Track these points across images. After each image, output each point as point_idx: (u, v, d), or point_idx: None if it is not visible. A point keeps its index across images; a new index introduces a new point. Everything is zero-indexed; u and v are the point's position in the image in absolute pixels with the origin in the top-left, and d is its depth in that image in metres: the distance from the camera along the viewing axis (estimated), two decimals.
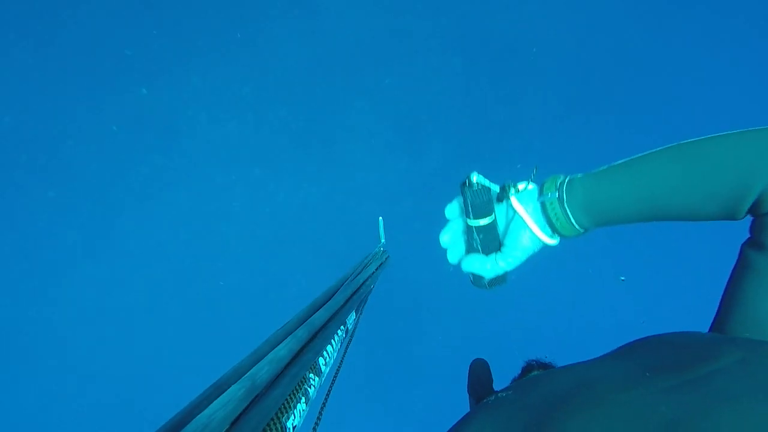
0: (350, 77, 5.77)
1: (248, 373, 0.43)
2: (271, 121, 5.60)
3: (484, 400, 0.52)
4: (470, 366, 0.78)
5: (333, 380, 0.62)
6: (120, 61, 5.56)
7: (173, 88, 5.73)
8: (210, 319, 4.87)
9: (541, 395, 0.44)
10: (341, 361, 0.67)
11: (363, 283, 0.94)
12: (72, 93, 5.25)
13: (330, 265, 5.05)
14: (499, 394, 0.51)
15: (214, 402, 0.37)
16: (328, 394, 0.58)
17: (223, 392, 0.39)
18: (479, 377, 0.70)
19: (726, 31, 5.48)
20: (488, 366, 0.76)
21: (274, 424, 0.41)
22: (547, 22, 5.71)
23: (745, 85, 5.33)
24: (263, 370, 0.44)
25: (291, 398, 0.46)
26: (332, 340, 0.63)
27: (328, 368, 0.61)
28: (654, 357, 0.44)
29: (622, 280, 5.28)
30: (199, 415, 0.35)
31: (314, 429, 0.49)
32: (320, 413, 0.52)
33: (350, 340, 0.76)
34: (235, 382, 0.41)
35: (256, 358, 0.48)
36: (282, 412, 0.43)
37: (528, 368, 0.91)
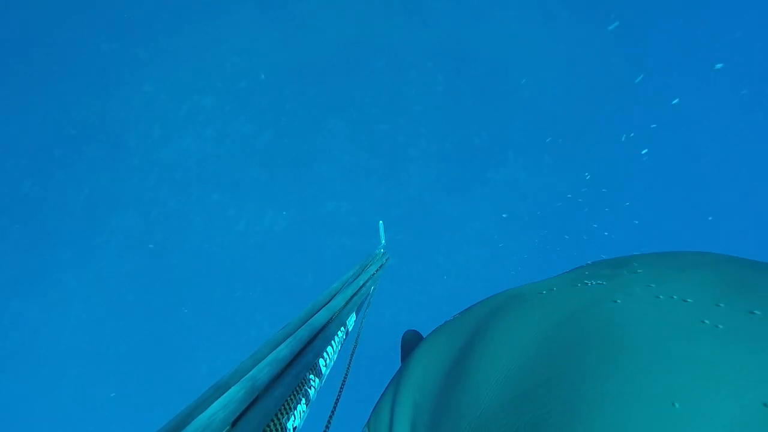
0: (323, 92, 5.31)
1: (249, 374, 0.43)
2: (233, 138, 5.08)
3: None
4: (402, 338, 0.80)
5: (342, 385, 0.60)
6: (62, 63, 4.93)
7: (120, 97, 5.13)
8: (157, 371, 4.33)
9: (484, 309, 0.49)
10: (349, 364, 0.66)
11: (363, 285, 0.95)
12: (6, 99, 4.61)
13: (294, 302, 4.59)
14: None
15: (215, 403, 0.37)
16: (337, 400, 0.56)
17: (224, 393, 0.39)
18: (411, 349, 0.65)
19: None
20: (420, 335, 0.76)
21: (275, 425, 0.41)
22: (536, 43, 5.37)
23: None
24: (264, 371, 0.44)
25: (291, 399, 0.46)
26: (332, 342, 0.63)
27: (329, 369, 0.60)
28: (586, 269, 0.50)
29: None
30: (199, 416, 0.35)
31: (326, 427, 0.48)
32: (329, 420, 0.51)
33: (356, 344, 0.74)
34: (236, 383, 0.41)
35: (257, 359, 0.47)
36: (282, 413, 0.43)
37: None
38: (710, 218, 5.14)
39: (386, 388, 0.55)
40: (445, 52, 5.65)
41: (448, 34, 5.66)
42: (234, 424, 0.37)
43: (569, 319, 0.38)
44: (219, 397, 0.39)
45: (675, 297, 0.35)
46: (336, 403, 0.56)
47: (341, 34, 5.68)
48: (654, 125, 5.22)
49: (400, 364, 0.69)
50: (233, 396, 0.39)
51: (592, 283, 0.44)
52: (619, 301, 0.37)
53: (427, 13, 5.65)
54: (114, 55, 5.38)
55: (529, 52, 5.50)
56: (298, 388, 0.48)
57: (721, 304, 0.33)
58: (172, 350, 4.46)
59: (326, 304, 0.74)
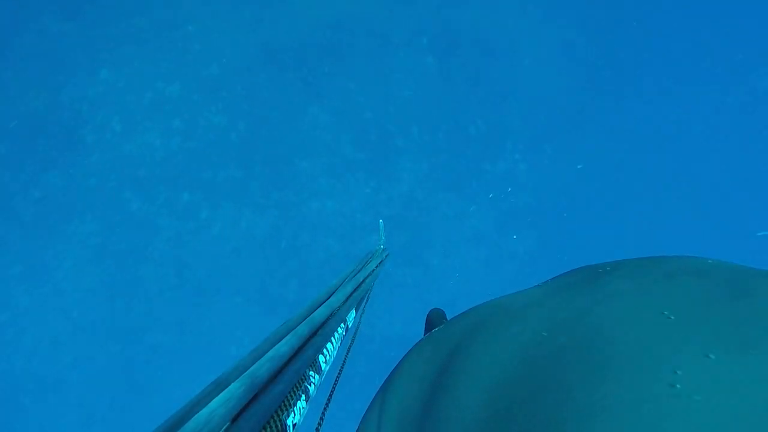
0: (302, 78, 4.82)
1: (249, 371, 0.43)
2: (203, 130, 4.58)
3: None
4: (427, 315, 0.85)
5: (336, 379, 0.61)
6: (2, 45, 4.35)
7: (74, 85, 4.56)
8: (124, 397, 3.90)
9: (466, 323, 0.49)
10: (345, 359, 0.67)
11: (363, 281, 0.95)
12: None
13: (278, 314, 4.18)
14: (433, 331, 0.55)
15: (215, 399, 0.38)
16: (331, 394, 0.58)
17: (224, 389, 0.40)
18: (435, 326, 0.68)
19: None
20: (444, 314, 0.81)
21: (275, 421, 0.42)
22: (536, 22, 4.94)
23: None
24: (264, 368, 0.45)
25: (291, 396, 0.46)
26: (332, 338, 0.64)
27: (328, 366, 0.60)
28: (571, 276, 0.51)
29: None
30: (199, 413, 0.35)
31: (317, 430, 0.49)
32: (323, 413, 0.53)
33: (353, 339, 0.77)
34: (236, 379, 0.42)
35: (257, 355, 0.48)
36: (282, 410, 0.44)
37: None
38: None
39: (371, 404, 0.53)
40: (436, 31, 5.19)
41: (439, 11, 5.18)
42: (234, 420, 0.37)
43: (551, 333, 0.37)
44: (219, 393, 0.39)
45: (660, 310, 0.35)
46: (329, 397, 0.56)
47: (320, 12, 5.17)
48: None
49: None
50: (233, 392, 0.39)
51: (575, 293, 0.44)
52: (602, 313, 0.37)
53: None
54: (65, 37, 4.78)
55: (528, 31, 5.07)
56: (297, 385, 0.49)
57: (706, 319, 0.33)
58: (141, 374, 4.03)
59: (326, 300, 0.74)
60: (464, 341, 0.44)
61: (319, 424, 0.50)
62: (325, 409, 0.53)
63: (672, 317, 0.33)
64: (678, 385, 0.26)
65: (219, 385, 0.41)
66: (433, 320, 0.80)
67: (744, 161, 4.94)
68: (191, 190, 4.55)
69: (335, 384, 0.60)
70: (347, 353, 0.70)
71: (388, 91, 4.96)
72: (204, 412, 0.35)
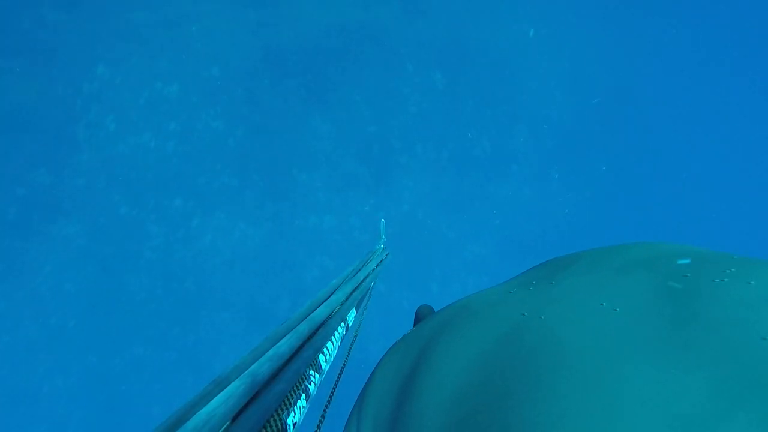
0: (306, 86, 4.68)
1: (249, 370, 0.44)
2: (199, 135, 4.41)
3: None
4: (416, 312, 0.85)
5: (337, 379, 0.60)
6: None
7: (67, 79, 4.39)
8: (101, 413, 3.71)
9: (432, 325, 0.49)
10: (346, 359, 0.66)
11: (363, 280, 0.95)
12: None
13: (265, 332, 3.98)
14: (405, 335, 0.55)
15: (215, 398, 0.38)
16: (332, 393, 0.57)
17: (224, 388, 0.40)
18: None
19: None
20: (433, 311, 0.79)
21: (275, 420, 0.42)
22: (547, 42, 4.83)
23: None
24: (264, 367, 0.45)
25: (292, 395, 0.46)
26: (333, 337, 0.64)
27: (328, 365, 0.61)
28: (534, 271, 0.51)
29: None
30: (199, 412, 0.35)
31: (318, 428, 0.48)
32: (324, 413, 0.52)
33: (354, 338, 0.75)
34: (236, 378, 0.42)
35: (257, 354, 0.48)
36: (282, 409, 0.44)
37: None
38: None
39: (349, 415, 0.52)
40: (446, 47, 5.06)
41: (451, 26, 5.07)
42: (234, 419, 0.37)
43: (507, 335, 0.38)
44: (220, 392, 0.39)
45: (612, 306, 0.36)
46: (330, 397, 0.55)
47: (327, 17, 5.03)
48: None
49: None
50: (234, 391, 0.39)
51: (534, 291, 0.44)
52: (554, 314, 0.38)
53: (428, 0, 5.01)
54: (60, 28, 4.60)
55: (538, 53, 4.95)
56: (298, 384, 0.49)
57: (654, 310, 0.34)
58: (118, 388, 3.84)
59: (326, 299, 0.73)
60: (429, 345, 0.45)
61: (320, 424, 0.49)
62: (325, 408, 0.53)
63: (619, 313, 0.34)
64: (622, 390, 0.27)
65: (219, 384, 0.41)
66: (422, 317, 0.80)
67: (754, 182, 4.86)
68: (184, 196, 4.38)
69: (336, 383, 0.59)
70: (348, 352, 0.69)
71: (393, 105, 4.83)
72: (204, 411, 0.35)
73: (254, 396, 0.41)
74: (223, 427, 0.35)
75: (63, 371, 3.82)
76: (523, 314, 0.39)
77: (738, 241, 4.78)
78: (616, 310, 0.35)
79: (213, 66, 4.80)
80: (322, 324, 0.63)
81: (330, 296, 0.75)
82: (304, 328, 0.57)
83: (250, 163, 4.56)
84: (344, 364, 0.63)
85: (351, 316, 0.79)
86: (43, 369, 3.79)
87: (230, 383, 0.40)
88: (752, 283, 0.34)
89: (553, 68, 4.99)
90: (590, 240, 4.71)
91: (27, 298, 3.92)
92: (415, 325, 0.75)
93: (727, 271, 0.37)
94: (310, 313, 0.64)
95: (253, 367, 0.44)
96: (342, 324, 0.70)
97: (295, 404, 0.45)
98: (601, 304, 0.36)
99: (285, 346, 0.50)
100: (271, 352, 0.48)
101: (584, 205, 4.66)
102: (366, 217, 4.42)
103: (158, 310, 4.02)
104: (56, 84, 4.48)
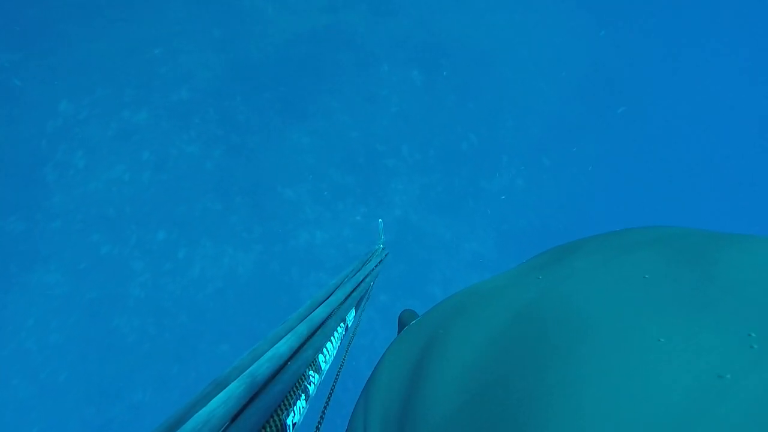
0: (281, 98, 4.52)
1: (248, 370, 0.43)
2: (175, 161, 4.25)
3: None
4: (399, 317, 0.84)
5: (336, 378, 0.59)
6: None
7: (30, 120, 4.19)
8: None
9: (440, 312, 0.49)
10: (344, 358, 0.65)
11: (363, 280, 0.95)
12: None
13: None
14: (411, 324, 0.54)
15: (214, 399, 0.38)
16: (331, 393, 0.56)
17: (223, 389, 0.40)
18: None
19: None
20: (416, 314, 0.80)
21: (274, 421, 0.42)
22: (524, 29, 4.72)
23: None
24: (263, 367, 0.44)
25: (291, 395, 0.46)
26: (332, 337, 0.63)
27: (328, 365, 0.60)
28: (540, 257, 0.50)
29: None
30: (198, 412, 0.35)
31: (317, 429, 0.48)
32: (323, 413, 0.52)
33: (352, 338, 0.75)
34: (235, 378, 0.42)
35: (256, 354, 0.48)
36: (282, 409, 0.43)
37: None
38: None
39: (356, 406, 0.51)
40: (421, 43, 4.93)
41: (423, 22, 4.94)
42: (233, 419, 0.37)
43: (522, 312, 0.38)
44: (218, 393, 0.39)
45: (623, 277, 0.36)
46: (329, 397, 0.55)
47: (295, 26, 4.88)
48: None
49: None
50: (233, 392, 0.39)
51: (544, 274, 0.44)
52: (566, 290, 0.38)
53: None
54: (16, 69, 4.38)
55: (516, 39, 4.84)
56: (297, 384, 0.48)
57: (668, 278, 0.34)
58: None
59: (326, 299, 0.73)
60: (439, 330, 0.44)
61: (319, 423, 0.49)
62: (325, 408, 0.53)
63: (637, 281, 0.34)
64: (648, 349, 0.27)
65: (218, 385, 0.41)
66: (405, 322, 0.79)
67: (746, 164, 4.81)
68: (166, 228, 4.20)
69: (335, 383, 0.58)
70: (346, 353, 0.69)
71: (373, 108, 4.69)
72: (204, 412, 0.35)
73: (253, 396, 0.41)
74: (223, 428, 0.35)
75: (59, 427, 3.62)
76: (536, 293, 0.40)
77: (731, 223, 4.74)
78: (633, 279, 0.35)
79: (181, 88, 4.62)
80: (322, 324, 0.63)
81: (329, 296, 0.75)
82: (303, 329, 0.57)
83: (232, 185, 4.39)
84: (341, 366, 0.63)
85: (350, 316, 0.79)
86: (36, 428, 3.58)
87: (229, 384, 0.40)
88: (760, 250, 0.35)
89: (533, 55, 4.89)
90: (592, 229, 4.60)
91: (12, 355, 3.71)
92: (399, 331, 0.75)
93: (735, 242, 0.37)
94: (309, 314, 0.63)
95: (252, 367, 0.44)
96: (341, 324, 0.70)
97: (295, 404, 0.46)
98: (617, 276, 0.36)
99: (284, 346, 0.50)
100: (270, 352, 0.48)
101: (581, 192, 4.57)
102: (359, 227, 4.27)
103: (153, 350, 3.83)
104: (19, 126, 4.28)
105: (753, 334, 0.26)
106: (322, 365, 0.57)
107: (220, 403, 0.36)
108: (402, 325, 0.79)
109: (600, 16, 5.03)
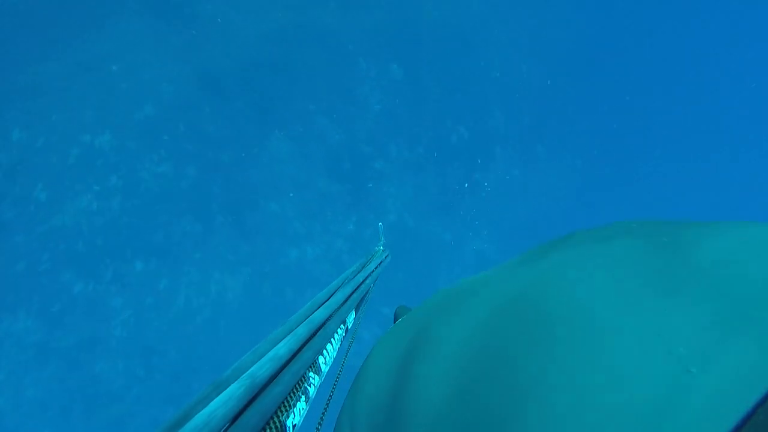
0: (254, 105, 4.25)
1: (248, 372, 0.43)
2: (146, 184, 3.96)
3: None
4: (395, 313, 0.86)
5: (336, 380, 0.59)
6: None
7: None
8: None
9: (425, 309, 0.48)
10: (344, 360, 0.65)
11: (362, 282, 0.96)
12: None
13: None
14: (396, 322, 0.53)
15: (214, 400, 0.38)
16: (331, 394, 0.55)
17: (223, 390, 0.39)
18: None
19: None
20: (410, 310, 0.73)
21: (274, 422, 0.42)
22: (504, 12, 4.50)
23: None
24: (263, 369, 0.44)
25: (291, 397, 0.46)
26: (332, 339, 0.64)
27: (328, 367, 0.60)
28: (527, 254, 0.47)
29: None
30: (199, 413, 0.35)
31: (317, 430, 0.47)
32: (323, 414, 0.51)
33: (352, 340, 0.75)
34: (235, 380, 0.42)
35: (257, 356, 0.47)
36: (282, 411, 0.44)
37: None
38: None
39: (343, 405, 0.47)
40: (397, 34, 4.68)
41: (397, 12, 4.68)
42: (233, 421, 0.37)
43: (506, 306, 0.37)
44: (219, 394, 0.39)
45: (603, 268, 0.35)
46: (329, 398, 0.54)
47: (262, 26, 4.60)
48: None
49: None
50: (233, 393, 0.39)
51: (527, 268, 0.43)
52: (546, 282, 0.37)
53: None
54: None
55: (498, 23, 4.61)
56: (297, 386, 0.49)
57: (641, 264, 0.33)
58: None
59: (326, 301, 0.73)
60: (425, 326, 0.43)
61: (319, 425, 0.47)
62: (325, 410, 0.51)
63: (609, 271, 0.34)
64: (621, 334, 0.27)
65: (218, 386, 0.41)
66: (399, 317, 0.79)
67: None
68: (144, 258, 3.90)
69: (335, 385, 0.57)
70: (345, 355, 0.68)
71: (354, 107, 4.43)
72: (204, 413, 0.35)
73: (253, 398, 0.41)
74: (223, 429, 0.35)
75: None
76: (519, 287, 0.39)
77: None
78: (606, 268, 0.34)
79: (145, 105, 4.29)
80: (322, 326, 0.63)
81: (329, 298, 0.74)
82: (303, 331, 0.57)
83: (211, 203, 4.10)
84: (341, 368, 0.62)
85: (350, 318, 0.80)
86: None
87: (229, 385, 0.40)
88: (732, 233, 0.34)
89: (514, 38, 4.66)
90: (597, 215, 4.48)
91: None
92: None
93: (707, 227, 0.37)
94: (309, 315, 0.64)
95: (252, 369, 0.43)
96: (342, 326, 0.71)
97: (295, 406, 0.46)
98: (590, 267, 0.36)
99: (284, 348, 0.50)
100: (270, 353, 0.48)
101: (580, 182, 4.39)
102: (352, 237, 4.03)
103: (144, 394, 3.55)
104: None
105: (721, 312, 0.26)
106: (323, 367, 0.58)
107: (221, 404, 0.36)
108: (396, 320, 0.79)
109: None
